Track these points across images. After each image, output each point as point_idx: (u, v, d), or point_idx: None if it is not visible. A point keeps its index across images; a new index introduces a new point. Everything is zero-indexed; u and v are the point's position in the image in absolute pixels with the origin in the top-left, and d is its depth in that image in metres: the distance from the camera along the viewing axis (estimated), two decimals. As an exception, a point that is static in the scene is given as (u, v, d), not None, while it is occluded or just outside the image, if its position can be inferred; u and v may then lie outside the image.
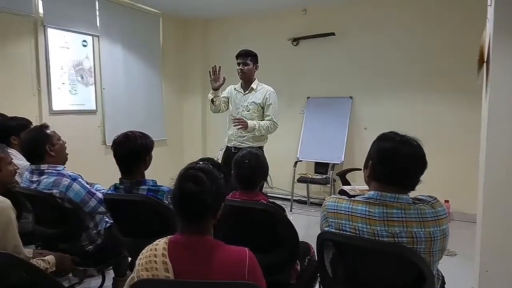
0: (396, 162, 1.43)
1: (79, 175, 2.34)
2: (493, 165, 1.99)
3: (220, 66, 3.42)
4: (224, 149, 3.76)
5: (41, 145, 2.29)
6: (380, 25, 4.98)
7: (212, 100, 3.49)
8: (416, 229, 1.37)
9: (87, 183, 2.36)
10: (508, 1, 1.91)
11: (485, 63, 2.16)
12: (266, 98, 3.48)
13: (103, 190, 2.38)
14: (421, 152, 1.45)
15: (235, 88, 3.61)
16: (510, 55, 1.93)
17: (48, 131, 2.35)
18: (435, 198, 1.49)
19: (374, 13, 5.00)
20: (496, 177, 1.99)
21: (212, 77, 3.41)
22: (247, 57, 3.44)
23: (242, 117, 3.41)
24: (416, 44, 4.80)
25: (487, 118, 2.01)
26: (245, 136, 3.50)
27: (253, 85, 3.53)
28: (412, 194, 1.48)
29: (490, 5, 2.04)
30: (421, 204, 1.42)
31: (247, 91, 3.54)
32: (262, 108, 3.50)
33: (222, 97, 3.57)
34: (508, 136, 1.96)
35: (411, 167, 1.43)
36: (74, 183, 2.27)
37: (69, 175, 2.29)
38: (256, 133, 3.45)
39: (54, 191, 2.23)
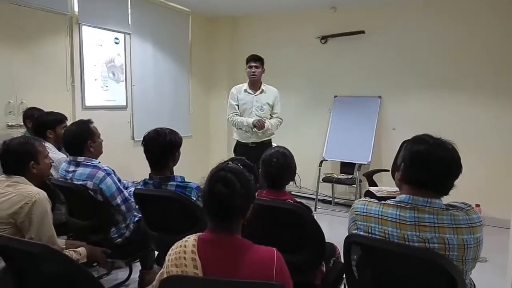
0: (429, 165, 1.39)
1: (112, 170, 2.43)
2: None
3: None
4: (236, 144, 4.00)
5: (84, 140, 2.42)
6: (410, 24, 4.86)
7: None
8: (449, 236, 1.34)
9: (119, 180, 2.44)
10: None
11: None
12: (276, 97, 3.89)
13: (131, 190, 2.45)
14: (455, 156, 1.41)
15: (244, 90, 3.87)
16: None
17: (93, 128, 2.47)
18: (470, 205, 1.45)
19: (405, 13, 4.88)
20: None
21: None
22: (258, 61, 3.80)
23: (257, 117, 3.76)
24: (447, 44, 4.66)
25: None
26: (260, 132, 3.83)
27: (263, 87, 3.87)
28: (445, 199, 1.44)
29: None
30: (454, 211, 1.38)
31: (257, 92, 3.85)
32: (272, 107, 3.88)
33: (236, 106, 3.89)
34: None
35: (445, 171, 1.39)
36: (108, 177, 2.36)
37: (104, 169, 2.39)
38: (268, 132, 3.82)
39: (89, 182, 2.32)
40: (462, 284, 1.31)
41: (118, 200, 2.38)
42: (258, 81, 3.86)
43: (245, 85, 3.90)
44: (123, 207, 2.41)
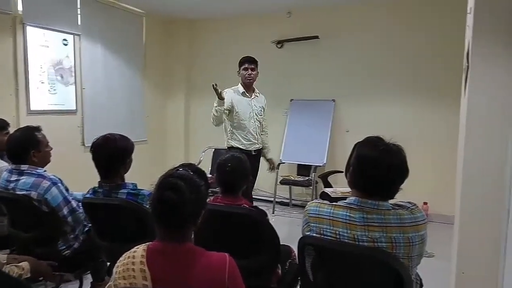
0: (376, 174, 1.41)
1: (59, 179, 2.30)
2: (470, 169, 2.03)
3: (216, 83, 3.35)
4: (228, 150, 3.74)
5: (27, 149, 2.26)
6: (363, 28, 5.05)
7: (223, 110, 3.46)
8: (396, 234, 1.39)
9: (66, 190, 2.32)
10: (486, 9, 1.96)
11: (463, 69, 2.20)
12: (265, 104, 3.81)
13: (79, 197, 2.33)
14: (402, 162, 1.43)
15: (242, 92, 3.63)
16: (487, 61, 1.98)
17: (39, 137, 2.31)
18: (415, 204, 1.51)
19: (358, 17, 5.06)
20: (473, 180, 2.03)
21: (218, 92, 3.37)
22: (253, 63, 3.60)
23: (257, 121, 3.67)
24: (399, 48, 4.87)
25: (465, 123, 2.05)
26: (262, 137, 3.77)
27: (256, 90, 3.74)
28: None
29: (470, 13, 2.08)
30: (400, 209, 1.44)
31: (252, 96, 3.69)
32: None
33: (225, 109, 3.51)
34: (485, 140, 2.00)
35: (392, 179, 1.42)
36: (54, 187, 2.23)
37: (50, 178, 2.25)
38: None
39: (33, 192, 2.18)
40: (408, 279, 1.37)
41: (65, 211, 2.25)
42: (252, 84, 3.66)
43: (240, 88, 3.66)
44: (69, 219, 2.28)
